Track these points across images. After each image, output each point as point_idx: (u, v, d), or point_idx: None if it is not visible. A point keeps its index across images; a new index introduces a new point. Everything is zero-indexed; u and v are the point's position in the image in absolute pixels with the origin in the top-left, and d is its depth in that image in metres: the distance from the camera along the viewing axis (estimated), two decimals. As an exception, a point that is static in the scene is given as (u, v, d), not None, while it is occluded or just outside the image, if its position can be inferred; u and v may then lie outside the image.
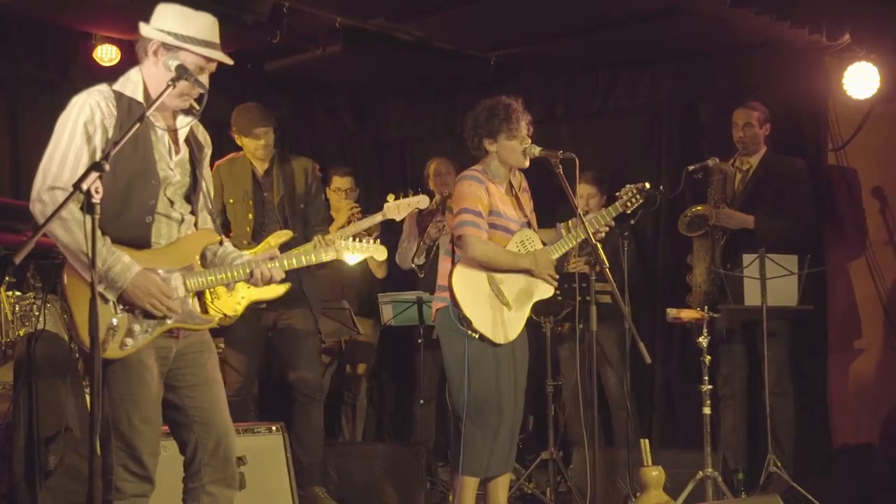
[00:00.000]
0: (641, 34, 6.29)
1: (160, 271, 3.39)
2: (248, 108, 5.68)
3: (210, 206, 3.65)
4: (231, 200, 5.64)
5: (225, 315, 5.41)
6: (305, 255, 3.75)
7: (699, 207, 5.89)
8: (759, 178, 5.94)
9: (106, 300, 3.30)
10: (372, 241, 3.97)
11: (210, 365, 3.57)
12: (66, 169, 3.26)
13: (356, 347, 6.85)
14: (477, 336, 4.51)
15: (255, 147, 5.63)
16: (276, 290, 5.39)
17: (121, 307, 3.32)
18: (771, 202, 5.85)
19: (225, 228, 5.53)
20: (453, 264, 4.59)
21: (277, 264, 3.63)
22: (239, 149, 5.74)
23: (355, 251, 3.89)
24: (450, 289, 4.54)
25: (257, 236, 5.58)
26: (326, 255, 3.82)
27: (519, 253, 4.63)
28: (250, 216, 5.60)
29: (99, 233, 3.22)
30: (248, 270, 3.53)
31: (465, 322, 4.51)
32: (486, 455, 4.55)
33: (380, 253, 3.99)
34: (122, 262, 3.30)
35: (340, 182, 6.68)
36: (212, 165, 3.67)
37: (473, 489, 4.59)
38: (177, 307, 3.40)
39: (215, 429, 3.52)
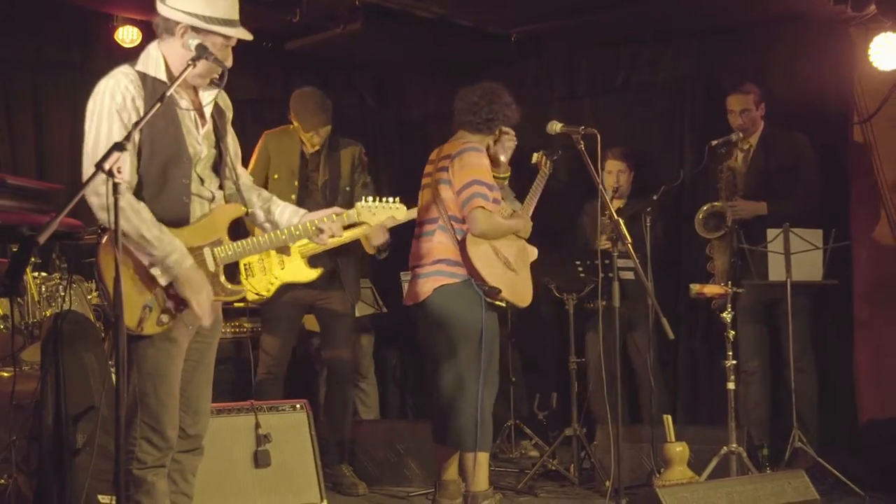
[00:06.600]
0: (664, 8, 6.23)
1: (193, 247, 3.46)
2: (316, 102, 5.58)
3: (236, 176, 3.68)
4: (276, 176, 5.60)
5: (258, 293, 5.45)
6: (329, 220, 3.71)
7: (716, 204, 5.85)
8: (759, 155, 5.90)
9: (153, 284, 3.39)
10: (392, 201, 3.93)
11: (213, 348, 3.70)
12: None
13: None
14: (504, 305, 4.55)
15: (311, 137, 5.60)
16: (309, 274, 5.43)
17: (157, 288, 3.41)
18: (776, 178, 5.81)
19: None
20: (463, 237, 4.58)
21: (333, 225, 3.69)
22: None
23: (376, 212, 3.87)
24: (468, 263, 4.53)
25: None
26: (348, 218, 3.80)
27: (511, 219, 4.75)
28: (293, 197, 5.52)
29: (154, 218, 3.35)
30: (314, 227, 3.63)
31: (493, 292, 4.51)
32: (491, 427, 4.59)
33: (400, 212, 3.96)
34: (180, 252, 3.39)
35: None
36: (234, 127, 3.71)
37: (488, 464, 4.63)
38: (209, 317, 3.49)
39: (194, 408, 3.64)
